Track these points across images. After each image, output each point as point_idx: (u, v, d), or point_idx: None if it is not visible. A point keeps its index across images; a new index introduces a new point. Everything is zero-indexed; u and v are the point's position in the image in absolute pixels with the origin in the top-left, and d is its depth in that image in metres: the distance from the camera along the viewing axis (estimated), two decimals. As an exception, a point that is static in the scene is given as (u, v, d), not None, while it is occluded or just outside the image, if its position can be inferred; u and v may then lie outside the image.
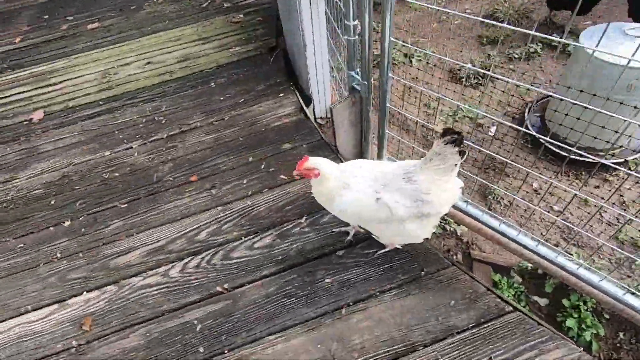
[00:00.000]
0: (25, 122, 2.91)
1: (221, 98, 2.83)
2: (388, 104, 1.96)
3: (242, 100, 2.78)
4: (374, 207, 1.46)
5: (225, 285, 1.76)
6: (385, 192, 1.45)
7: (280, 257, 1.83)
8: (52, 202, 2.28)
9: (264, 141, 2.44)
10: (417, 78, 3.28)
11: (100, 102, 2.98)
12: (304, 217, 1.97)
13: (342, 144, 2.26)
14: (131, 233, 2.05)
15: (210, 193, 2.19)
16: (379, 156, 2.29)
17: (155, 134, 2.63)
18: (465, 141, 1.31)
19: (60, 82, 3.31)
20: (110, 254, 1.97)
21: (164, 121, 2.71)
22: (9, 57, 3.73)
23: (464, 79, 3.12)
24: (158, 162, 2.42)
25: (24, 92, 3.26)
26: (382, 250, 1.77)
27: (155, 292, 1.78)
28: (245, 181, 2.21)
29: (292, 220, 1.98)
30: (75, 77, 3.33)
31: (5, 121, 2.96)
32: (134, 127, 2.71)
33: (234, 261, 1.85)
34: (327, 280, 1.72)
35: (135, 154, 2.50)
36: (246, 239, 1.93)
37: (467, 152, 1.38)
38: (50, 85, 3.29)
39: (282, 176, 2.20)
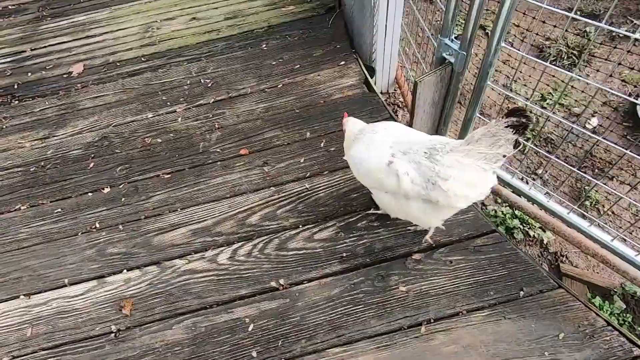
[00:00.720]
0: (64, 76, 2.71)
1: (273, 62, 2.52)
2: (489, 82, 1.61)
3: (298, 66, 2.46)
4: (384, 170, 1.30)
5: (281, 281, 1.54)
6: (401, 160, 1.27)
7: (344, 254, 1.58)
8: (91, 165, 2.10)
9: (323, 115, 2.14)
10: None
11: (143, 59, 2.74)
12: (373, 209, 1.70)
13: (417, 126, 1.94)
14: (175, 208, 1.84)
15: (262, 170, 1.93)
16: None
17: (201, 97, 2.37)
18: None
19: (101, 34, 3.08)
20: (153, 230, 1.77)
21: (210, 84, 2.45)
22: (49, 5, 3.52)
23: (553, 58, 2.67)
24: (204, 129, 2.18)
25: (63, 42, 3.05)
26: (378, 211, 1.64)
27: (202, 279, 1.58)
28: (302, 160, 1.94)
29: (357, 212, 1.71)
30: (117, 30, 3.08)
31: (44, 73, 2.77)
32: (179, 89, 2.46)
33: (291, 253, 1.61)
34: (401, 289, 1.46)
35: (179, 119, 2.26)
36: (304, 228, 1.68)
37: (523, 145, 1.19)
38: (90, 37, 3.06)
39: (345, 158, 1.92)
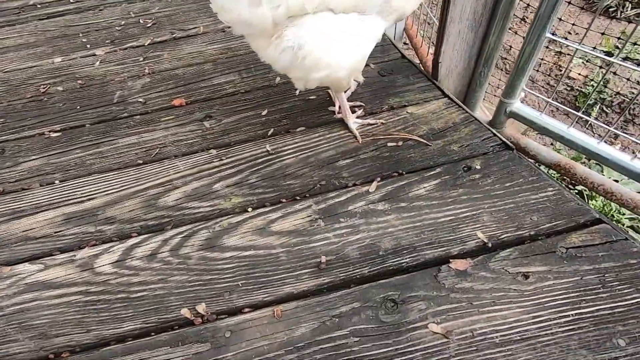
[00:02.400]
0: (-38, 18, 2.03)
1: None
2: (549, 33, 0.94)
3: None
4: None
5: (201, 307, 0.81)
6: None
7: (323, 260, 0.86)
8: (-49, 121, 1.39)
9: (304, 57, 1.45)
10: (528, 5, 2.19)
11: (71, 0, 2.07)
12: (375, 183, 0.99)
13: (448, 60, 1.25)
14: (51, 180, 1.12)
15: (202, 126, 1.23)
16: (509, 93, 1.27)
17: (134, 39, 1.69)
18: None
19: (30, -23, 2.43)
20: (1, 213, 1.05)
21: (150, 24, 1.77)
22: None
23: (613, 8, 2.02)
24: (128, 75, 1.48)
25: (-20, -14, 2.39)
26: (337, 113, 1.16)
27: (59, 301, 0.85)
28: (264, 112, 1.24)
29: (349, 187, 1.00)
30: (50, -26, 2.43)
31: (-60, 16, 2.09)
32: (107, 30, 1.78)
33: (226, 255, 0.89)
34: (433, 329, 0.73)
35: (97, 63, 1.57)
36: (255, 212, 0.97)
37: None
38: (15, -20, 2.40)
39: (332, 108, 1.22)
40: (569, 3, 1.61)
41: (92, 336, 0.79)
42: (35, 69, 1.60)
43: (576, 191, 1.50)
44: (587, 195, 1.49)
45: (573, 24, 1.59)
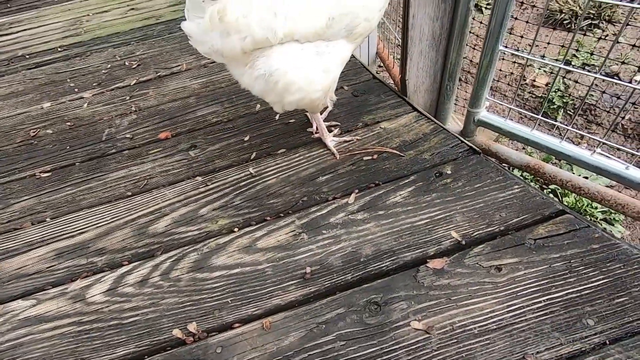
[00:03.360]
0: (-47, 73, 2.11)
1: (221, 38, 1.97)
2: (501, 46, 1.05)
3: (251, 38, 1.91)
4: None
5: (192, 326, 0.83)
6: None
7: (308, 270, 0.90)
8: (-57, 170, 1.43)
9: (281, 84, 1.54)
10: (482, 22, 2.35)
11: (59, 49, 2.17)
12: (353, 195, 1.04)
13: (414, 78, 1.35)
14: (42, 218, 1.16)
15: (187, 155, 1.29)
16: (475, 103, 1.36)
17: (120, 80, 1.77)
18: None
19: (18, 31, 2.54)
20: (-5, 254, 1.07)
21: (135, 66, 1.86)
22: (-30, 13, 3.02)
23: (567, 21, 2.18)
24: (115, 114, 1.55)
25: (-31, 43, 2.50)
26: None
27: (52, 333, 0.87)
28: (247, 138, 1.31)
29: (329, 201, 1.05)
30: (38, 26, 2.56)
31: None
32: (94, 74, 1.86)
33: (215, 275, 0.92)
34: (415, 326, 0.76)
35: (85, 105, 1.64)
36: (242, 231, 1.01)
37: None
38: (4, 35, 2.52)
39: (310, 129, 1.29)
40: (527, 22, 1.76)
41: (86, 365, 0.81)
42: (25, 115, 1.66)
43: (549, 190, 1.57)
44: (560, 193, 1.55)
45: (535, 39, 1.72)
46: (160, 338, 0.83)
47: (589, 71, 1.30)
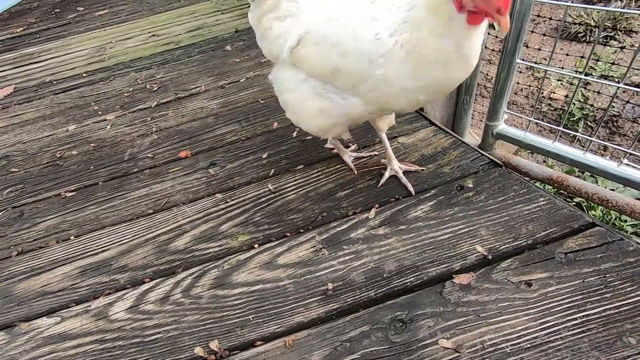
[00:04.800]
0: (-14, 99, 2.23)
1: (237, 60, 2.03)
2: (518, 59, 1.06)
3: (267, 60, 1.96)
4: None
5: (214, 344, 0.82)
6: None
7: (331, 286, 0.88)
8: (-27, 191, 1.48)
9: (298, 103, 1.57)
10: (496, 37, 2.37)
11: (84, 75, 2.27)
12: (374, 210, 1.03)
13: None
14: (66, 236, 1.18)
15: (207, 173, 1.30)
16: (492, 116, 1.35)
17: (141, 102, 1.83)
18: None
19: (46, 59, 2.68)
20: (21, 272, 1.09)
21: (156, 88, 1.93)
22: (3, 43, 3.21)
23: (582, 34, 2.18)
24: (137, 135, 1.60)
25: (2, 71, 2.64)
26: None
27: (75, 351, 0.87)
28: (264, 155, 1.32)
29: (350, 216, 1.04)
30: (64, 54, 2.69)
31: (-34, 100, 2.29)
32: (117, 97, 1.94)
33: (236, 292, 0.92)
34: (443, 345, 0.74)
35: (108, 127, 1.70)
36: (262, 247, 1.00)
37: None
38: (34, 63, 2.66)
39: (327, 145, 1.30)
40: (544, 35, 1.76)
41: (108, 384, 0.80)
42: (51, 137, 1.72)
43: (574, 203, 1.53)
44: (585, 206, 1.51)
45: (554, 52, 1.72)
46: (181, 356, 0.82)
47: (610, 82, 1.28)
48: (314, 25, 0.86)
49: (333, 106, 0.90)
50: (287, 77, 0.97)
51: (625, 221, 1.49)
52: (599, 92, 1.95)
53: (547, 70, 1.19)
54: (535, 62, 1.43)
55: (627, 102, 1.68)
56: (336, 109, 0.90)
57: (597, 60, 2.06)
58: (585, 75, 1.31)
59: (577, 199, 1.51)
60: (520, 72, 2.12)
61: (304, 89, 0.93)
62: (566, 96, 1.89)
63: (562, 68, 1.27)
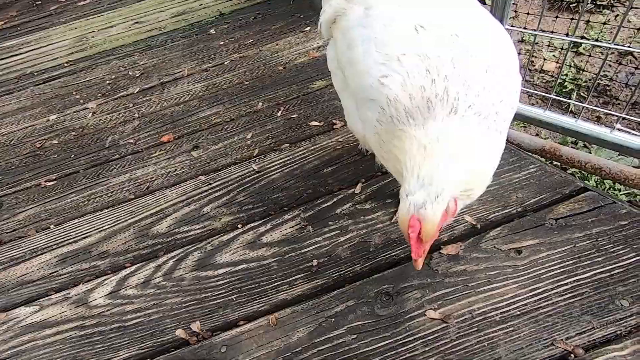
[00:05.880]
0: (-35, 93, 2.17)
1: (222, 42, 1.97)
2: (506, 25, 1.01)
3: (251, 40, 1.91)
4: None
5: (195, 325, 0.79)
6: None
7: (315, 262, 0.85)
8: (-48, 185, 1.44)
9: (283, 81, 1.52)
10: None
11: (66, 64, 2.21)
12: (360, 185, 1.00)
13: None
14: (46, 225, 1.14)
15: (190, 156, 1.27)
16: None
17: (124, 89, 1.78)
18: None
19: (27, 51, 2.61)
20: (1, 261, 1.06)
21: (139, 74, 1.88)
22: (-18, 37, 3.12)
23: (575, 6, 2.12)
24: (119, 122, 1.55)
25: (-19, 65, 2.57)
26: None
27: (54, 339, 0.84)
28: (249, 135, 1.28)
29: (335, 192, 1.01)
30: (46, 45, 2.62)
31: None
32: (98, 86, 1.88)
33: (219, 272, 0.89)
34: (431, 316, 0.71)
35: (89, 115, 1.65)
36: (246, 227, 0.97)
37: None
38: (14, 55, 2.59)
39: (313, 123, 1.26)
40: (528, 12, 1.70)
41: (88, 370, 0.78)
42: (31, 128, 1.68)
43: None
44: (579, 177, 1.48)
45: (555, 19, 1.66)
46: (163, 339, 0.79)
47: (601, 43, 1.25)
48: None
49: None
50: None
51: (619, 190, 1.47)
52: (588, 61, 1.90)
53: (536, 35, 1.15)
54: (524, 28, 1.38)
55: (620, 63, 1.64)
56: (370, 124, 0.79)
57: (588, 22, 2.01)
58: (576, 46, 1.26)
59: (570, 170, 1.48)
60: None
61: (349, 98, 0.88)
62: (559, 67, 1.84)
63: (553, 32, 1.22)
